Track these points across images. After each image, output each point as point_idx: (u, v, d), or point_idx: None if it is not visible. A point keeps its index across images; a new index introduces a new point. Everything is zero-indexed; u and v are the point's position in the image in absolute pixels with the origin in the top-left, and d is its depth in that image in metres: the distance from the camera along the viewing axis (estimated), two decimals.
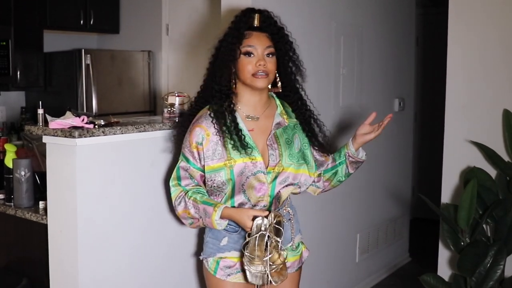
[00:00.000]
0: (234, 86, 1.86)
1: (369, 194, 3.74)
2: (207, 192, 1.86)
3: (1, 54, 3.98)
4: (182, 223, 1.95)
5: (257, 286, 1.84)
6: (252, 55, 1.81)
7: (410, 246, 4.39)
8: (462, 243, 2.45)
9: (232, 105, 1.84)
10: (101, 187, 1.97)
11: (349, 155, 1.97)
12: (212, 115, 1.83)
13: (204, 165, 1.83)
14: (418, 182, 5.39)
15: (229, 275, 1.88)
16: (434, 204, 2.48)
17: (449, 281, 2.64)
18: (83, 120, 1.92)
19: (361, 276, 3.71)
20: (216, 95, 1.83)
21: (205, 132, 1.82)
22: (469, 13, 2.64)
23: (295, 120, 1.96)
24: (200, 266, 2.13)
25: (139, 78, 4.52)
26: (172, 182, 1.88)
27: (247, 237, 1.75)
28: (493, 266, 2.39)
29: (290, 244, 1.94)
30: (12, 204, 2.19)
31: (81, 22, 4.43)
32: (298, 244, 1.99)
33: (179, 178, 1.87)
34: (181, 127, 1.97)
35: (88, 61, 4.11)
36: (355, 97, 3.49)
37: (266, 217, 1.73)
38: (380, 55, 3.80)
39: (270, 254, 1.73)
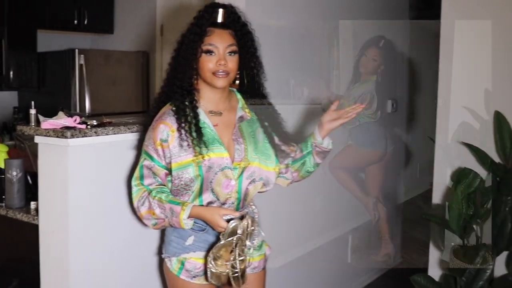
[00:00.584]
0: (196, 82, 1.83)
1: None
2: (173, 192, 1.81)
3: None
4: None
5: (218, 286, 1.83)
6: (213, 54, 1.77)
7: (402, 246, 4.40)
8: (453, 244, 2.46)
9: (194, 101, 1.81)
10: (93, 188, 1.96)
11: (315, 145, 1.95)
12: (174, 110, 1.79)
13: (170, 163, 1.78)
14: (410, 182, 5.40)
15: (194, 276, 1.84)
16: (425, 204, 2.50)
17: (439, 281, 2.66)
18: (75, 120, 1.92)
19: (353, 277, 3.72)
20: (178, 91, 1.80)
21: (169, 129, 1.77)
22: (461, 16, 2.65)
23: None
24: None
25: (133, 79, 4.51)
26: (134, 182, 1.81)
27: (220, 237, 1.70)
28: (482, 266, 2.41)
29: (255, 243, 1.88)
30: (3, 204, 2.18)
31: (75, 22, 4.43)
32: (261, 244, 1.96)
33: (141, 177, 1.79)
34: (145, 124, 1.92)
35: (82, 61, 4.10)
36: None
37: (241, 219, 1.70)
38: None
39: (238, 257, 1.70)
